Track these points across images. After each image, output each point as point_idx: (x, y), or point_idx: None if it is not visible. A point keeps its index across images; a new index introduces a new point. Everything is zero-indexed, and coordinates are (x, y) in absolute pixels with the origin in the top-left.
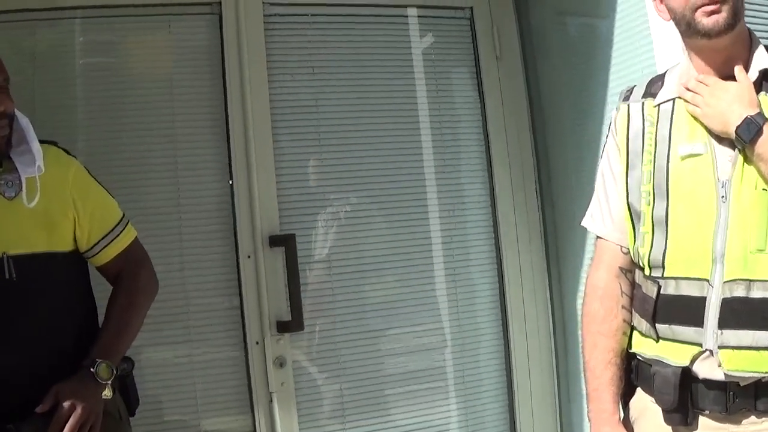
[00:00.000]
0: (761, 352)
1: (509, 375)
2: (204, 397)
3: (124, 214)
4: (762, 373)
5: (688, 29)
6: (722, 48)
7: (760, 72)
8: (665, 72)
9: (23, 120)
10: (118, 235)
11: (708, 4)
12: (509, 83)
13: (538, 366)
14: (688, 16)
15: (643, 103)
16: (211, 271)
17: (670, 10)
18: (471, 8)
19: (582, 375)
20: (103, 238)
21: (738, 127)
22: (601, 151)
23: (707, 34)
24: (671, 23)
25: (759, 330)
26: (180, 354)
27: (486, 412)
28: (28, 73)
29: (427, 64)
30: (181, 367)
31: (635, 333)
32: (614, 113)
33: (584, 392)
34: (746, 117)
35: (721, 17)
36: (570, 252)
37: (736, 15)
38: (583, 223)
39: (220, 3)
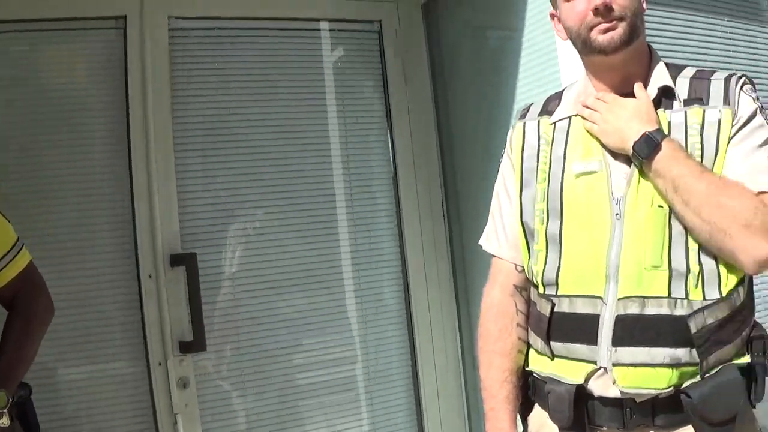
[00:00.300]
0: (656, 368)
1: (417, 387)
2: (108, 419)
3: (18, 238)
4: (657, 389)
5: (585, 47)
6: (619, 65)
7: (659, 89)
8: (563, 90)
9: None
10: (12, 259)
11: (603, 22)
12: (416, 97)
13: (445, 378)
14: (584, 34)
15: (538, 121)
16: (112, 291)
17: (566, 29)
18: (380, 22)
19: None
20: None
21: (636, 143)
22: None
23: (603, 51)
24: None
25: (653, 347)
26: (82, 375)
27: (396, 426)
28: None
29: (336, 77)
30: (83, 389)
31: (531, 350)
32: (510, 132)
33: None
34: (644, 133)
35: (616, 34)
36: (477, 269)
37: (634, 31)
38: (479, 243)
39: (125, 18)
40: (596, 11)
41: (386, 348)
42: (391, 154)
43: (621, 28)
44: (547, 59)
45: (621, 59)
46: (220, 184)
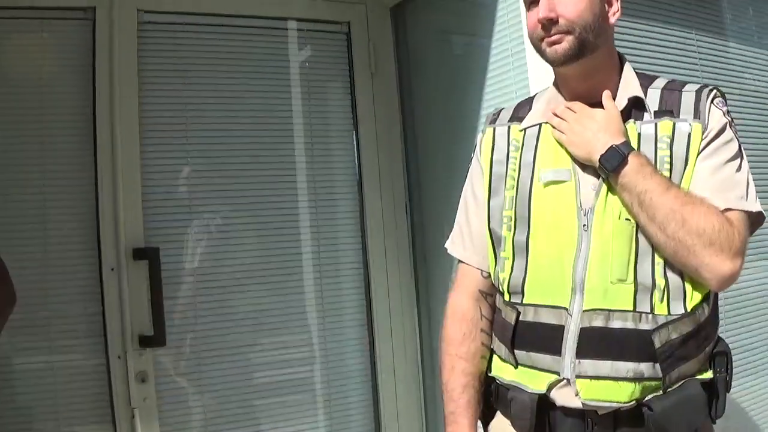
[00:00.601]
0: (619, 382)
1: (375, 390)
2: (65, 410)
3: None
4: (619, 403)
5: (540, 56)
6: (576, 76)
7: (630, 99)
8: (534, 96)
9: None
10: None
11: (548, 36)
12: (383, 99)
13: (404, 380)
14: (536, 44)
15: (509, 127)
16: (74, 283)
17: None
18: (348, 23)
19: None
20: None
21: (602, 156)
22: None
23: (551, 63)
24: None
25: (617, 360)
26: (41, 366)
27: (353, 427)
28: None
29: (303, 77)
30: (42, 380)
31: (495, 357)
32: (480, 136)
33: None
34: (611, 146)
35: (560, 48)
36: (439, 273)
37: (583, 46)
38: (445, 246)
39: (95, 9)
40: (541, 24)
41: (346, 349)
42: (356, 156)
43: (567, 42)
44: (516, 65)
45: (575, 71)
46: (185, 179)
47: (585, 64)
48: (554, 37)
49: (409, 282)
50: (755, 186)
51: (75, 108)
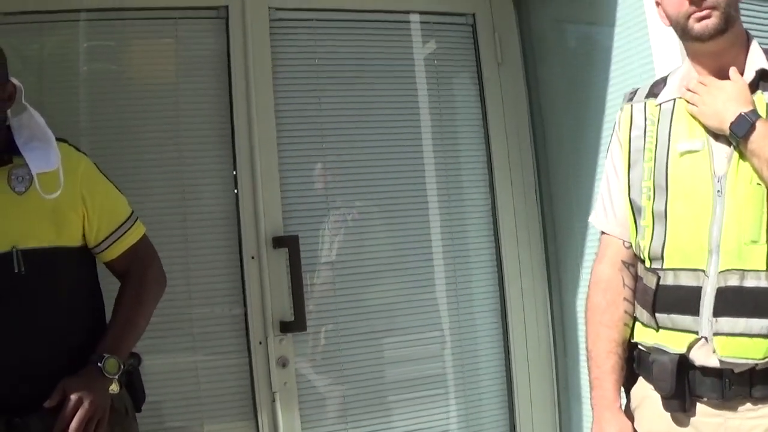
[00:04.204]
0: (754, 339)
1: (509, 375)
2: (207, 395)
3: (132, 211)
4: (755, 359)
5: (683, 34)
6: (717, 51)
7: (757, 72)
8: (668, 75)
9: (37, 117)
10: (126, 232)
11: (698, 11)
12: (510, 88)
13: (537, 365)
14: (682, 22)
15: (645, 103)
16: (215, 272)
17: (668, 16)
18: (473, 15)
19: (580, 374)
20: (111, 234)
21: (732, 124)
22: (598, 153)
23: (699, 38)
24: (671, 29)
25: (751, 317)
26: (183, 356)
27: (486, 413)
28: (33, 77)
29: (429, 69)
30: (184, 372)
31: (637, 324)
32: (618, 113)
33: (582, 392)
34: (740, 114)
35: (710, 22)
36: (569, 251)
37: (728, 20)
38: (589, 220)
39: (227, 8)
40: (691, 0)
41: (479, 335)
42: (485, 144)
43: (715, 17)
44: (640, 50)
45: (717, 46)
46: (319, 170)
47: (726, 38)
48: (704, 12)
49: (540, 262)
50: None
51: (211, 104)
